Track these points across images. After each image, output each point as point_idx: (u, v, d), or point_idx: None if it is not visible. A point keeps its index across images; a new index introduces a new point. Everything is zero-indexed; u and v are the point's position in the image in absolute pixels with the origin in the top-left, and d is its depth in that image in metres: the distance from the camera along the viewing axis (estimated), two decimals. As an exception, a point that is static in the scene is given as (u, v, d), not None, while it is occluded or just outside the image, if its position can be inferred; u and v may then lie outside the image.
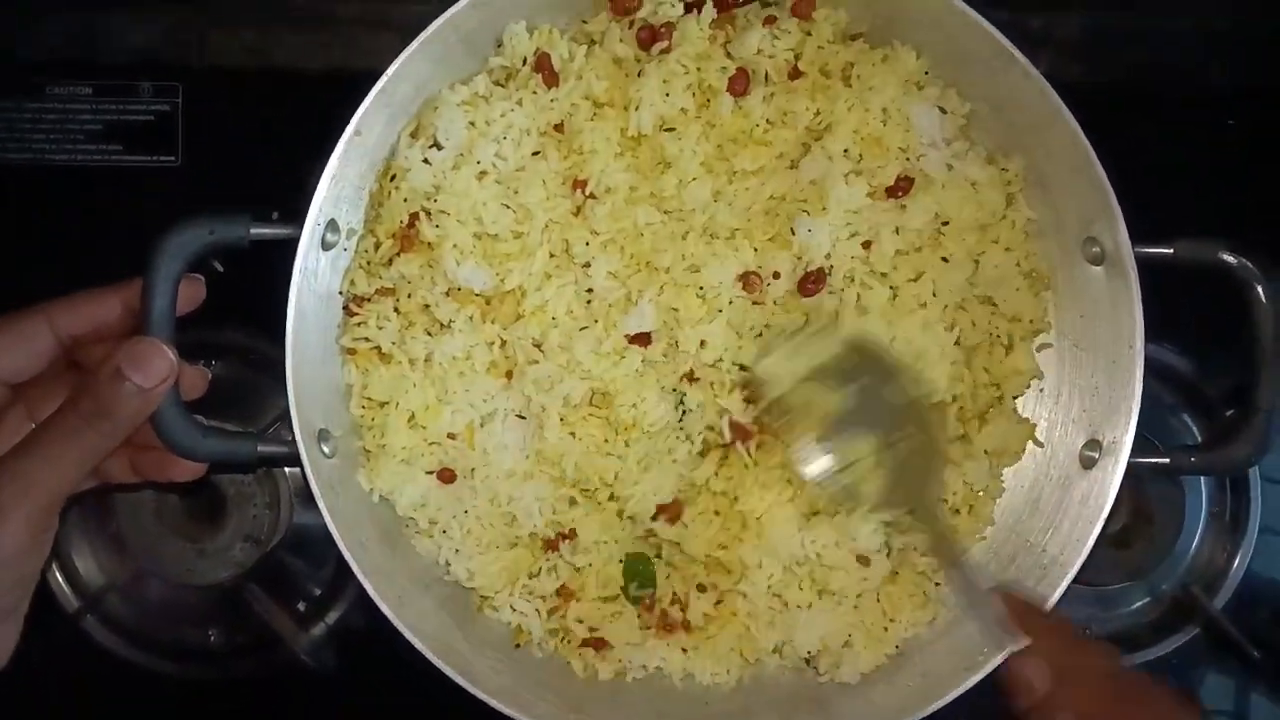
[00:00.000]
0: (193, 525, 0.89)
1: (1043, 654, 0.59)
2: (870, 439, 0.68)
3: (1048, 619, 0.64)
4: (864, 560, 0.73)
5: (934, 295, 0.72)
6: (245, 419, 0.87)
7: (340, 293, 0.72)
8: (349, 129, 0.65)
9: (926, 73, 0.74)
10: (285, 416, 0.85)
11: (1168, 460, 0.71)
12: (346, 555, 0.65)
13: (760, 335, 0.72)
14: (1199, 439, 0.93)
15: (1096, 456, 0.71)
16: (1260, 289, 0.68)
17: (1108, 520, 0.69)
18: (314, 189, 0.66)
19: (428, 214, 0.70)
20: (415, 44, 0.64)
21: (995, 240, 0.74)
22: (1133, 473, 0.69)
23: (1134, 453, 0.69)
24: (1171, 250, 0.69)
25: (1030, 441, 0.76)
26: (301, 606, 0.90)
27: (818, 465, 0.69)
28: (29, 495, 0.59)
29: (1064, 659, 0.59)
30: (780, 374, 0.68)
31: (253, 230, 0.65)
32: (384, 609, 0.66)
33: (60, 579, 0.89)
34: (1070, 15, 0.94)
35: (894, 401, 0.68)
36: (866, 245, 0.72)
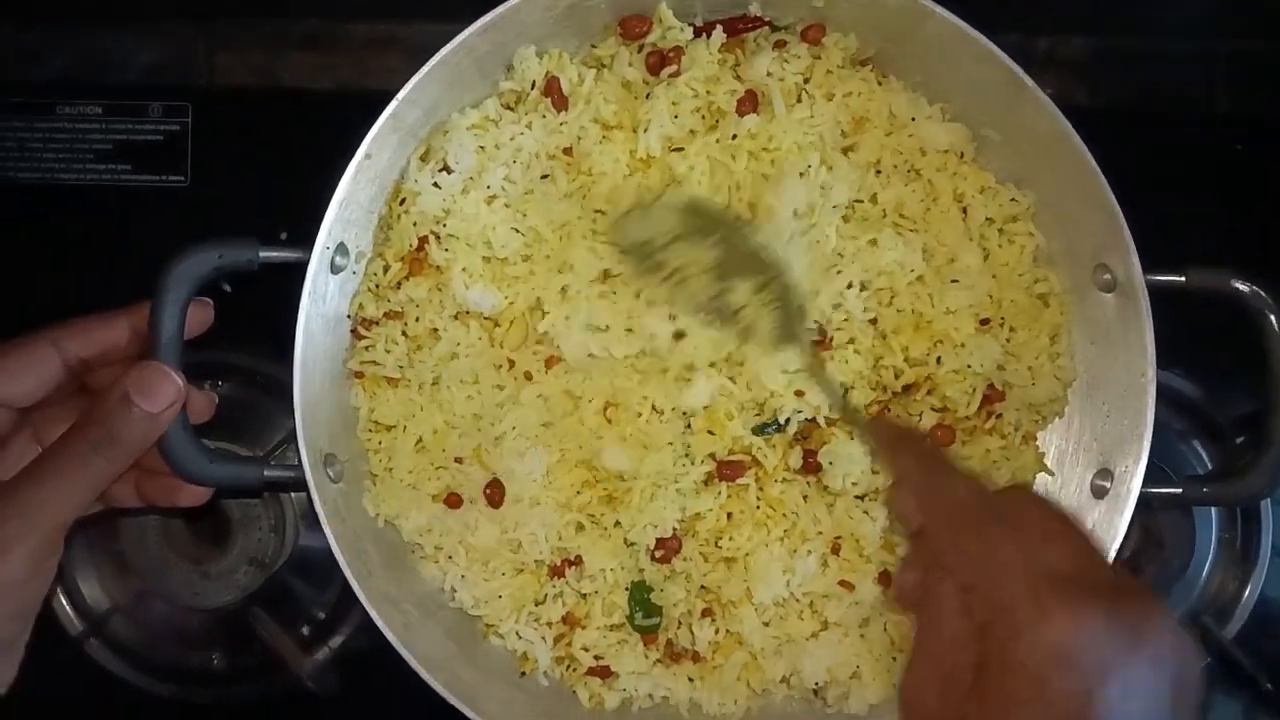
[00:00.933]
0: (197, 548, 0.88)
1: (909, 483, 0.58)
2: (747, 283, 0.69)
3: (914, 444, 0.63)
4: (847, 585, 0.73)
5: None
6: (251, 441, 0.87)
7: (349, 316, 0.72)
8: (359, 152, 0.65)
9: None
10: (291, 439, 0.85)
11: (1180, 490, 0.71)
12: (352, 581, 0.65)
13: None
14: (1209, 465, 0.92)
15: (1108, 486, 0.71)
16: (1273, 318, 0.68)
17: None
18: (323, 212, 0.66)
19: (437, 237, 0.70)
20: (427, 67, 0.64)
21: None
22: (1144, 502, 0.69)
23: (1146, 482, 0.69)
24: (1183, 279, 0.68)
25: (1041, 471, 0.75)
26: (306, 630, 0.89)
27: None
28: (34, 523, 0.59)
29: (925, 486, 0.57)
30: (646, 236, 0.70)
31: (261, 254, 0.65)
32: (389, 635, 0.65)
33: (64, 602, 0.89)
34: (1074, 38, 0.94)
35: (747, 249, 0.70)
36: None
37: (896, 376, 0.72)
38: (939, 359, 0.72)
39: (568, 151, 0.72)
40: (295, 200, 0.90)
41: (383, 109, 0.65)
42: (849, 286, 0.71)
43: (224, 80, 0.93)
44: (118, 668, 0.88)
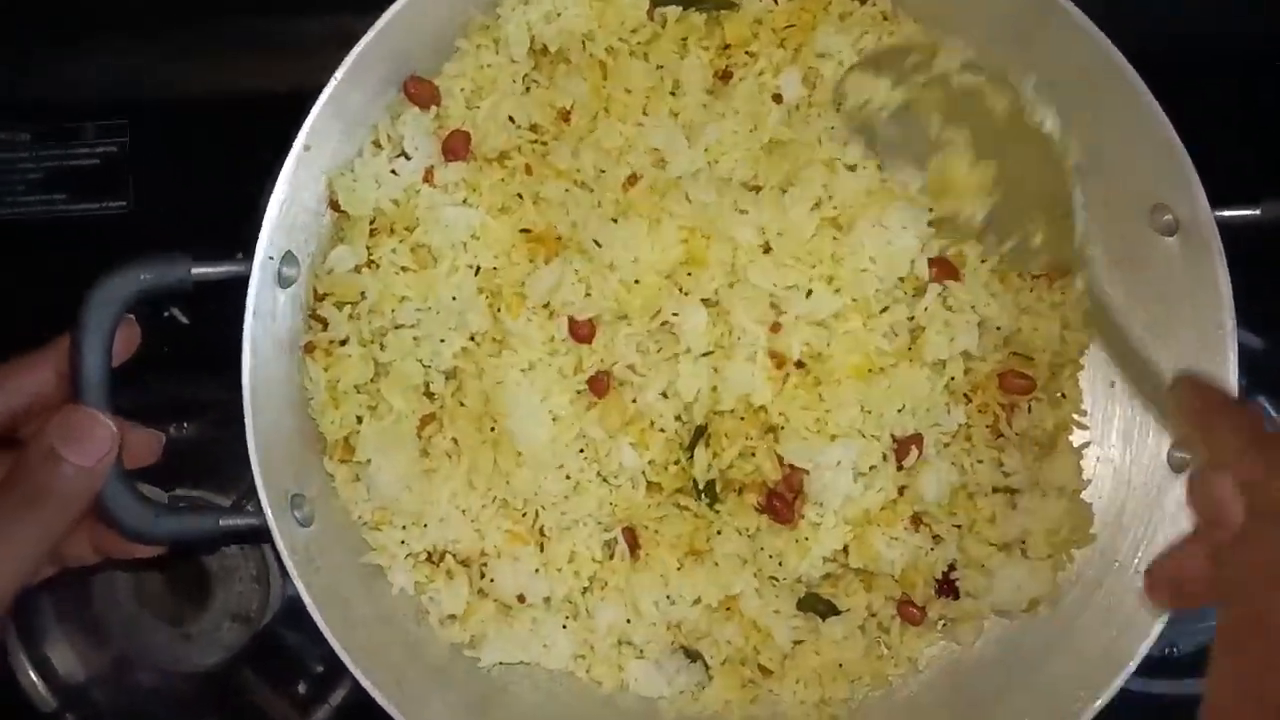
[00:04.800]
0: (175, 606, 0.80)
1: (1230, 468, 0.45)
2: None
3: (1234, 415, 0.48)
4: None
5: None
6: (221, 486, 0.79)
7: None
8: (297, 144, 0.58)
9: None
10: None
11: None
12: (333, 642, 0.57)
13: None
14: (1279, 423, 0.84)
15: (1189, 457, 0.62)
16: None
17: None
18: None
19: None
20: (361, 44, 0.57)
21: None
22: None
23: (1231, 450, 0.60)
24: (1258, 211, 0.61)
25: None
26: (302, 688, 0.82)
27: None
28: None
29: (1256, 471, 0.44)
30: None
31: (194, 270, 0.56)
32: (377, 697, 0.58)
33: (34, 677, 0.81)
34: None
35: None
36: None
37: None
38: None
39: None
40: (250, 217, 0.83)
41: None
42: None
43: (163, 92, 0.85)
44: (99, 745, 0.81)
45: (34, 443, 0.54)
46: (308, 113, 0.61)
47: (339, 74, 0.57)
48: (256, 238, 0.74)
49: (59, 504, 0.55)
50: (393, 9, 0.57)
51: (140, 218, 0.83)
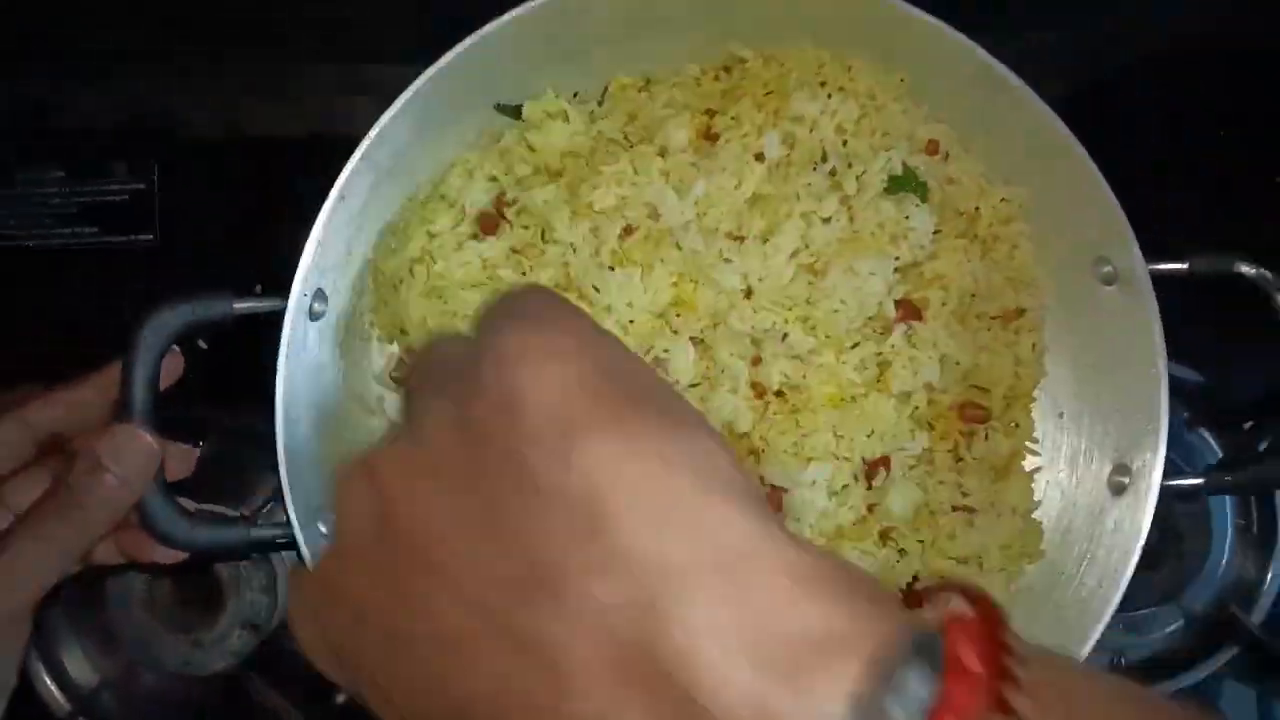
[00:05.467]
0: (187, 614, 0.85)
1: None
2: None
3: None
4: None
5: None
6: (236, 500, 0.84)
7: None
8: (333, 195, 0.63)
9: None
10: (277, 495, 0.83)
11: (1202, 481, 0.69)
12: None
13: None
14: (1218, 452, 0.91)
15: (1126, 482, 0.69)
16: (1280, 297, 0.66)
17: (1134, 542, 0.67)
18: (297, 258, 0.63)
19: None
20: (397, 105, 0.63)
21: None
22: (1164, 495, 0.67)
23: (1164, 475, 0.67)
24: (1186, 265, 0.67)
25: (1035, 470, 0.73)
26: (304, 692, 0.85)
27: None
28: (3, 597, 0.57)
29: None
30: None
31: (236, 305, 0.62)
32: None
33: (48, 681, 0.85)
34: (1048, 33, 0.94)
35: None
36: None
37: None
38: None
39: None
40: (268, 250, 0.88)
41: (351, 151, 0.63)
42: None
43: (188, 133, 0.91)
44: (111, 749, 0.84)
45: (83, 454, 0.59)
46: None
47: (372, 134, 0.62)
48: (274, 268, 0.80)
49: (101, 510, 0.59)
50: (423, 78, 0.63)
51: (166, 250, 0.89)
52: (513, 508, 0.31)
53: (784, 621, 0.29)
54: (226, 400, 0.85)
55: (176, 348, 0.63)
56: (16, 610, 0.58)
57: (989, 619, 0.31)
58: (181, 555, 0.64)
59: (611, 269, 0.69)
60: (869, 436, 0.69)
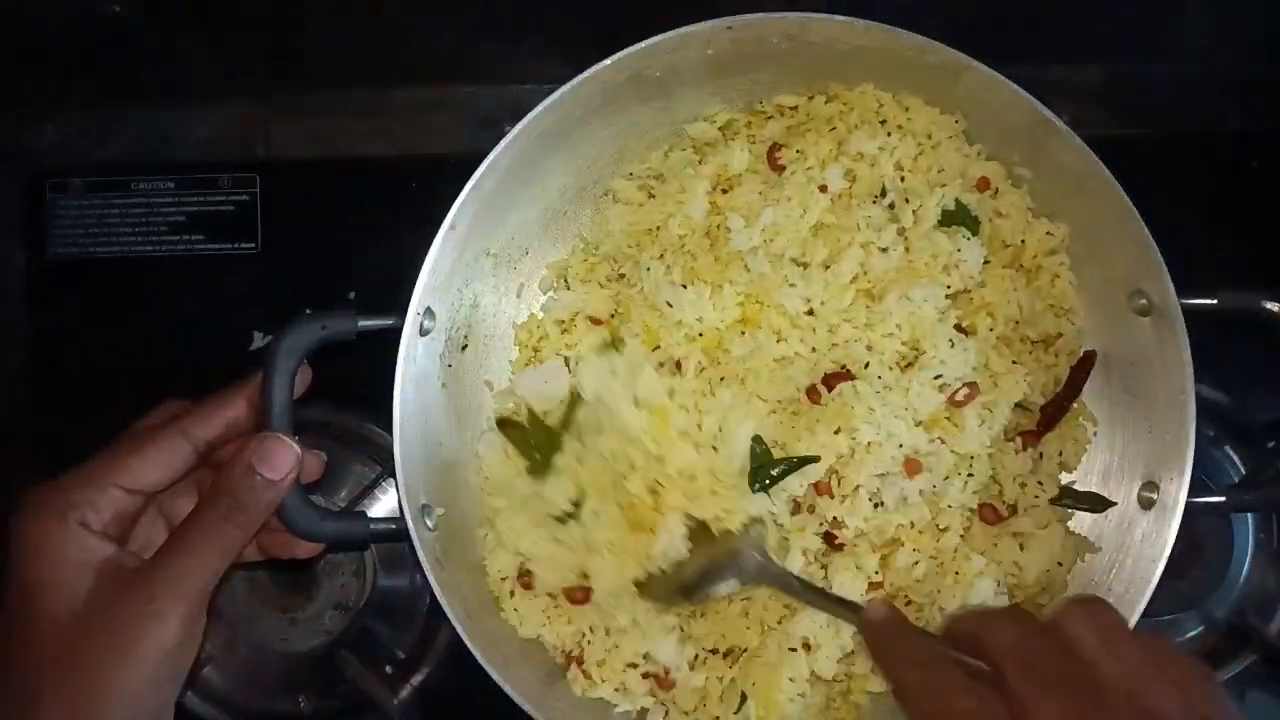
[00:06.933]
0: (285, 597, 0.92)
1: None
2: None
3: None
4: None
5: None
6: (328, 494, 0.91)
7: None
8: (445, 224, 0.69)
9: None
10: (367, 489, 0.90)
11: (1224, 499, 0.75)
12: (456, 624, 0.68)
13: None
14: (1241, 469, 0.95)
15: (1155, 497, 0.74)
16: (1304, 333, 0.71)
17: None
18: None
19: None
20: (508, 138, 0.69)
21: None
22: (1189, 511, 0.72)
23: (1189, 492, 0.72)
24: (1215, 301, 0.72)
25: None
26: (389, 669, 0.93)
27: None
28: (182, 592, 0.63)
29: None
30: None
31: (360, 323, 0.69)
32: (494, 675, 0.69)
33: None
34: (1087, 66, 0.99)
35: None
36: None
37: None
38: None
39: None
40: (360, 262, 0.95)
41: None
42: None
43: (286, 152, 0.98)
44: (212, 716, 0.91)
45: (235, 462, 0.66)
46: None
47: (479, 172, 0.69)
48: (366, 279, 0.88)
49: (253, 512, 0.66)
50: (528, 118, 0.69)
51: (267, 257, 0.96)
52: None
53: None
54: (312, 399, 0.91)
55: (306, 363, 0.69)
56: (194, 605, 0.64)
57: None
58: (317, 549, 0.71)
59: (684, 286, 0.76)
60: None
